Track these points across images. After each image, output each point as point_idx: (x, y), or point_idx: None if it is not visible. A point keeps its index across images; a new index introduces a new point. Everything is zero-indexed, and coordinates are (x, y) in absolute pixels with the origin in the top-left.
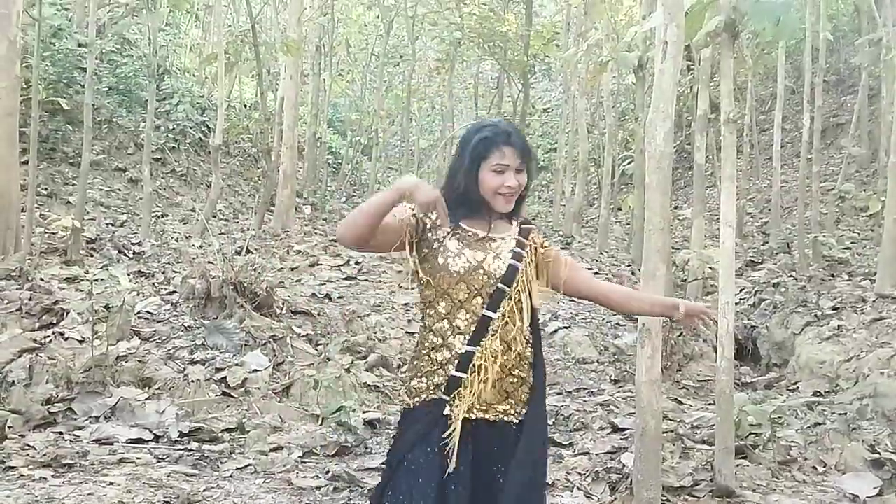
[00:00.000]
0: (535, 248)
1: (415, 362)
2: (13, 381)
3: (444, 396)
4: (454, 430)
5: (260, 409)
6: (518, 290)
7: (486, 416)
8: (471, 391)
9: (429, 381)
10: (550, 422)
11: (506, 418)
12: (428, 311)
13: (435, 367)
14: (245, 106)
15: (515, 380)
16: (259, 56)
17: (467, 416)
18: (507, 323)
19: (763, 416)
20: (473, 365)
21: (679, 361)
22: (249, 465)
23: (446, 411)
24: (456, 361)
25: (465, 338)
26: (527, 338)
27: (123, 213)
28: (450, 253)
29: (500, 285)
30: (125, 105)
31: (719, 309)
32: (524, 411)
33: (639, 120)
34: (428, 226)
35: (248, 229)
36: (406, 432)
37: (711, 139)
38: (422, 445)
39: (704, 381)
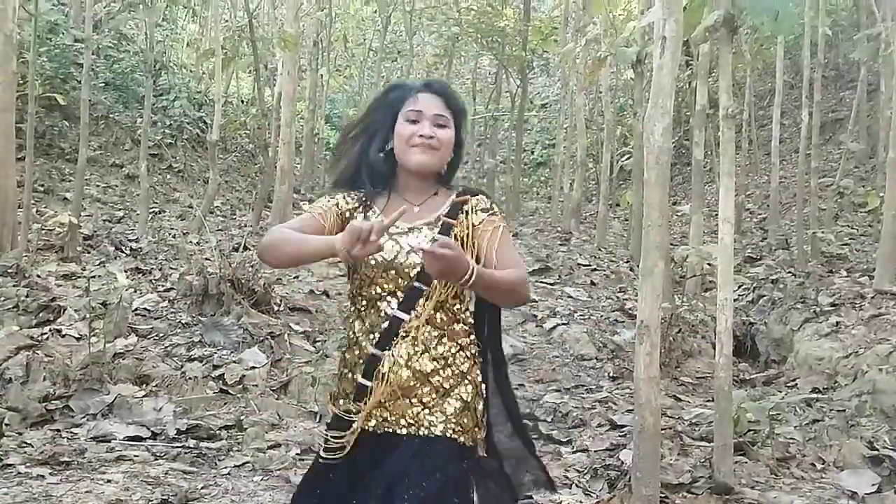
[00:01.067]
0: (470, 228)
1: (338, 363)
2: (10, 379)
3: (352, 407)
4: (346, 443)
5: (258, 407)
6: (437, 287)
7: (397, 430)
8: (374, 400)
9: (340, 386)
10: (548, 419)
11: (412, 430)
12: (350, 304)
13: (345, 371)
14: (242, 101)
15: (431, 389)
16: (256, 51)
17: (367, 427)
18: (425, 323)
19: (761, 413)
20: (379, 371)
21: (677, 358)
22: (247, 462)
23: (354, 426)
24: (363, 366)
25: (374, 338)
26: (460, 344)
27: (120, 210)
28: None
29: (415, 283)
30: (122, 101)
31: (718, 305)
32: (440, 429)
33: (637, 115)
34: (349, 216)
35: (246, 225)
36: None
37: (710, 135)
38: (324, 467)
39: (703, 377)
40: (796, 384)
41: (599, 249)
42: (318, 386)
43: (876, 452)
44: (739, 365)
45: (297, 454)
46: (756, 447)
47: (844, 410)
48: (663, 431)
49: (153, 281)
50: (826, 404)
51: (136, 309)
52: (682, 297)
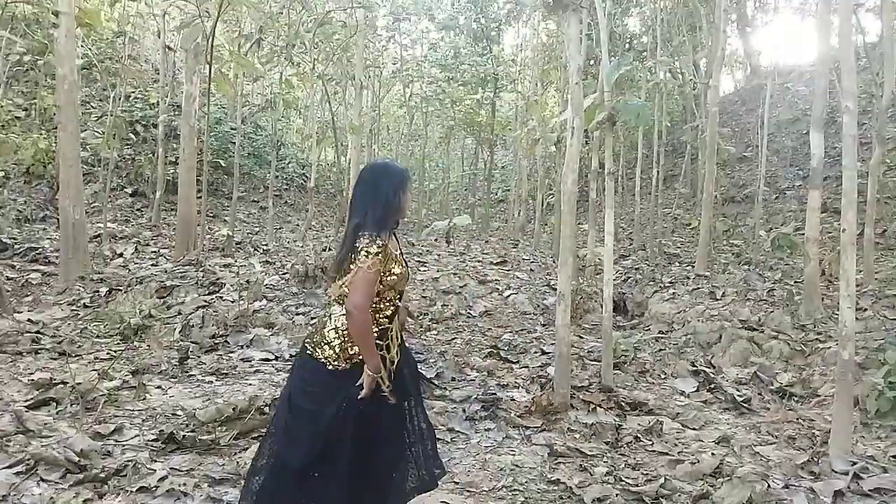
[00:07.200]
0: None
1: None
2: (193, 325)
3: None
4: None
5: None
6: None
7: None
8: (389, 352)
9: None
10: (506, 349)
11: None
12: (377, 304)
13: (387, 341)
14: (328, 164)
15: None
16: (336, 134)
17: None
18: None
19: (629, 345)
20: (388, 333)
21: (580, 313)
22: None
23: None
24: (377, 333)
25: (386, 318)
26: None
27: (257, 227)
28: (394, 273)
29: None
30: (258, 164)
31: (604, 282)
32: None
33: (557, 173)
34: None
35: (329, 237)
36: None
37: (600, 184)
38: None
39: (595, 324)
40: (650, 329)
41: (536, 251)
42: None
43: (695, 368)
44: (616, 318)
45: None
46: (626, 365)
47: (677, 344)
48: (572, 356)
49: (276, 268)
50: (666, 340)
51: (266, 284)
52: (583, 278)
